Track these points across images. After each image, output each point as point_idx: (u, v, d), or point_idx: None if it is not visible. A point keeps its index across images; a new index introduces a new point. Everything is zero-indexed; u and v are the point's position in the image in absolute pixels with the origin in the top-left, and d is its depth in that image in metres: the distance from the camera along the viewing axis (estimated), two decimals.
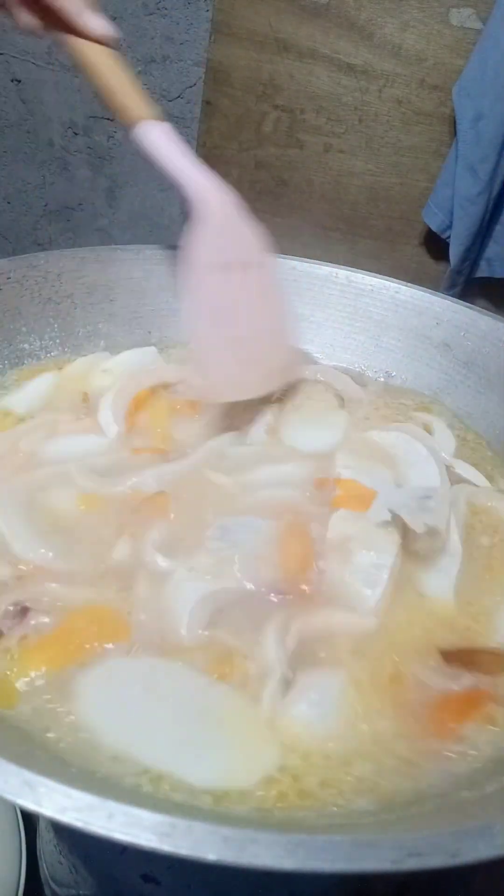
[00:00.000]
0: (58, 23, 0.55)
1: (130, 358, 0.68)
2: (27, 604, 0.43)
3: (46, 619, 0.42)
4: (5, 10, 0.56)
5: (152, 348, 0.70)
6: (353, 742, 0.38)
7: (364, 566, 0.46)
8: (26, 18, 0.56)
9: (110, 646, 0.41)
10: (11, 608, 0.42)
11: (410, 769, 0.37)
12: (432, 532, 0.47)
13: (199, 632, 0.42)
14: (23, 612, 0.42)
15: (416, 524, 0.46)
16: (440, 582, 0.48)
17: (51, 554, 0.46)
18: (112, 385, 0.62)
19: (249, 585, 0.45)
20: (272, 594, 0.44)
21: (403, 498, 0.49)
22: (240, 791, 0.35)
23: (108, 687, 0.39)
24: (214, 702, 0.39)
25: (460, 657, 0.43)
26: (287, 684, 0.40)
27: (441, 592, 0.47)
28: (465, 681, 0.42)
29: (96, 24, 0.55)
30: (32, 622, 0.42)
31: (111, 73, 0.56)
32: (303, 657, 0.42)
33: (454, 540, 0.50)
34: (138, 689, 0.39)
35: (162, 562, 0.46)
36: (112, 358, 0.68)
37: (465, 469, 0.59)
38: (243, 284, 0.59)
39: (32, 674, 0.39)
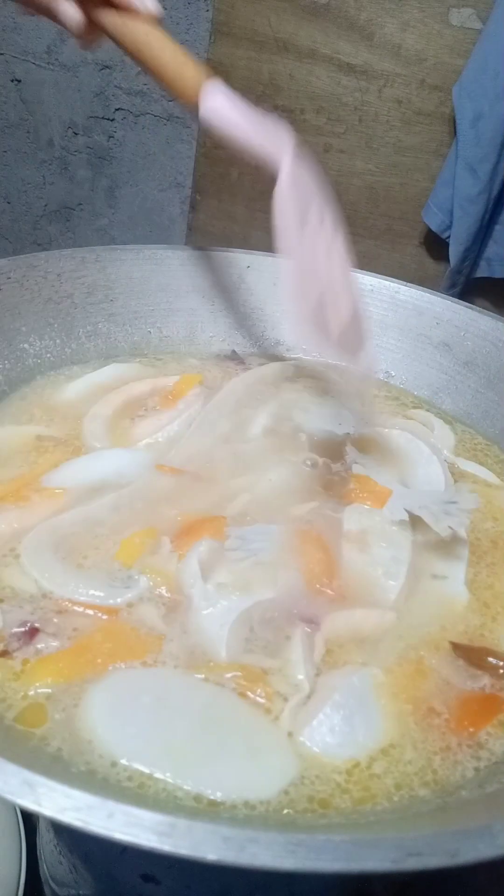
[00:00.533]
0: (102, 6, 0.56)
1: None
2: (37, 625, 0.41)
3: (55, 643, 0.41)
4: (48, 9, 0.56)
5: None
6: (375, 743, 0.38)
7: (383, 559, 0.46)
8: (70, 11, 0.55)
9: (122, 665, 0.40)
10: (20, 629, 0.41)
11: (430, 768, 0.37)
12: (453, 535, 0.48)
13: (240, 653, 0.41)
14: (31, 633, 0.41)
15: (441, 527, 0.47)
16: (452, 573, 0.48)
17: (99, 593, 0.44)
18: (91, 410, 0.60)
19: (278, 597, 0.44)
20: (298, 608, 0.43)
21: (424, 500, 0.49)
22: (257, 802, 0.34)
23: (117, 695, 0.38)
24: (230, 712, 0.38)
25: (468, 654, 0.43)
26: (310, 694, 0.39)
27: (454, 583, 0.47)
28: (484, 680, 0.42)
29: (150, 1, 0.56)
30: (40, 645, 0.40)
31: (163, 47, 0.57)
32: (323, 660, 0.42)
33: (461, 532, 0.50)
34: (150, 698, 0.38)
35: (190, 580, 0.44)
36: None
37: (469, 465, 0.60)
38: (320, 235, 0.59)
39: (38, 683, 0.38)
